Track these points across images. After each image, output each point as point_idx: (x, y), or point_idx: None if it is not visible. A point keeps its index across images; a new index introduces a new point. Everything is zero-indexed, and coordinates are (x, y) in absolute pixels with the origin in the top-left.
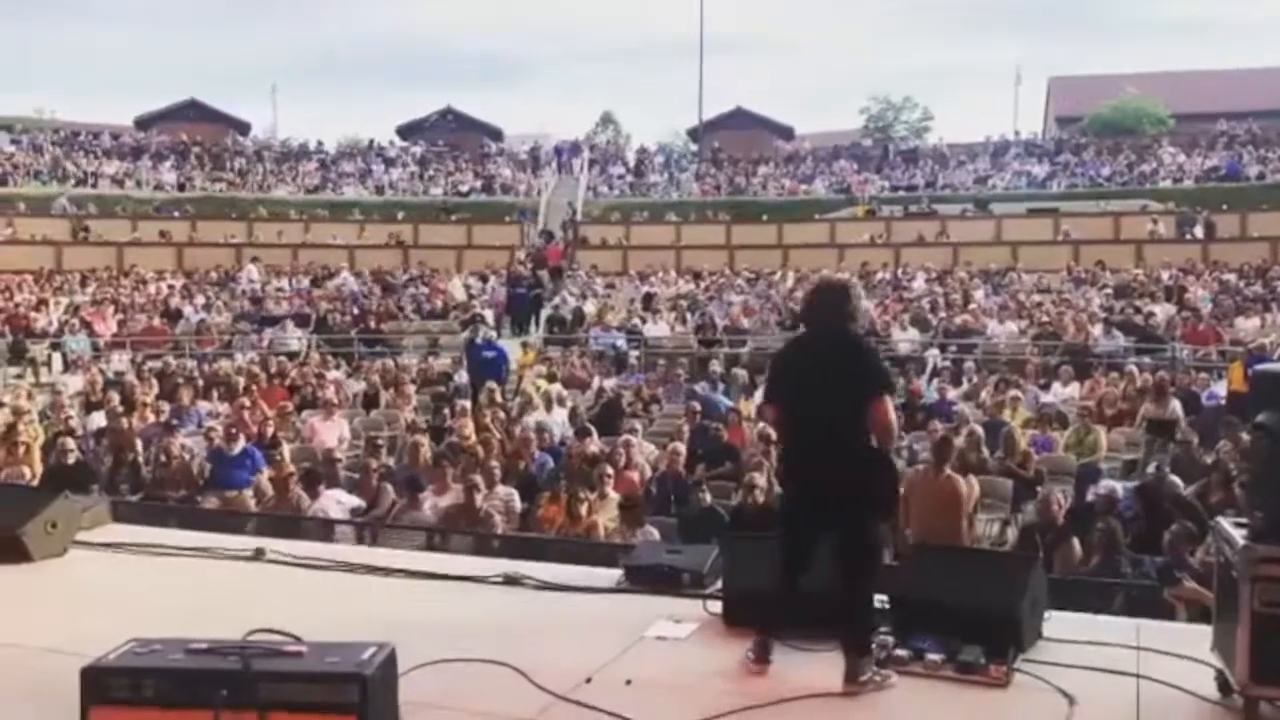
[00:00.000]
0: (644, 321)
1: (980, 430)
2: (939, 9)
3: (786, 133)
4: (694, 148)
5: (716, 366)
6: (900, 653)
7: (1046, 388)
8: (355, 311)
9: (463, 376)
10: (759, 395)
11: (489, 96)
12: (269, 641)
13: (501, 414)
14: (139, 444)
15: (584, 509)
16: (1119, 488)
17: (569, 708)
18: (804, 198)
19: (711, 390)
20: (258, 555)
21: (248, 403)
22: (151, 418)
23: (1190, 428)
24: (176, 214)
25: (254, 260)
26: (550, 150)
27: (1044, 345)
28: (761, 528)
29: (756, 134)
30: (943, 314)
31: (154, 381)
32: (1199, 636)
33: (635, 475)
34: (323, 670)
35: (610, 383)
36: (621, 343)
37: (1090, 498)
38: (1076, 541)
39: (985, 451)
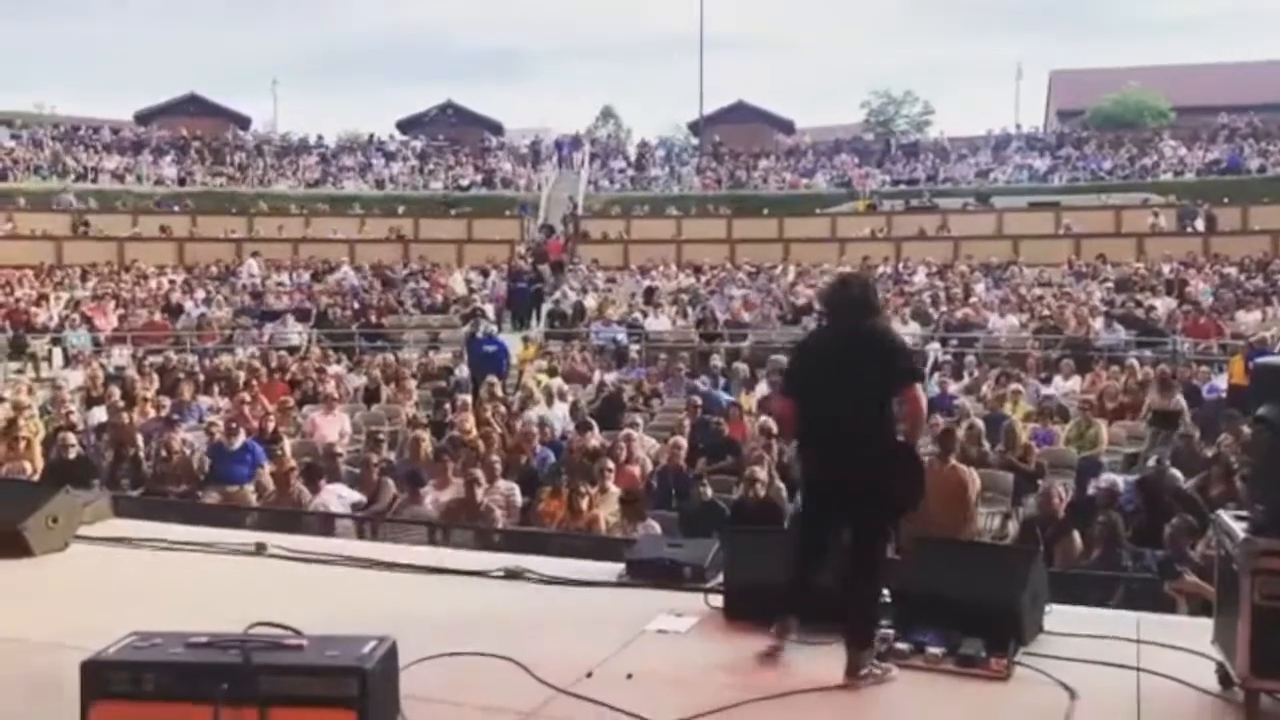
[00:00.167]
0: (645, 316)
1: (981, 424)
2: (939, 5)
3: (787, 127)
4: (695, 141)
5: (717, 360)
6: (901, 646)
7: (1047, 381)
8: (356, 306)
9: (463, 371)
10: (760, 389)
11: (489, 91)
12: (269, 635)
13: (502, 408)
14: (140, 439)
15: (585, 503)
16: (1120, 481)
17: (570, 701)
18: (805, 192)
19: (712, 384)
20: (259, 550)
21: (248, 398)
22: (152, 413)
23: (1191, 421)
24: (177, 209)
25: (254, 255)
26: (551, 144)
27: (1045, 339)
28: (763, 522)
29: (757, 128)
30: (944, 308)
31: (155, 376)
32: (1200, 629)
33: (636, 469)
34: (323, 664)
35: (611, 377)
36: (622, 337)
37: (1091, 491)
38: (1077, 535)
39: (986, 445)
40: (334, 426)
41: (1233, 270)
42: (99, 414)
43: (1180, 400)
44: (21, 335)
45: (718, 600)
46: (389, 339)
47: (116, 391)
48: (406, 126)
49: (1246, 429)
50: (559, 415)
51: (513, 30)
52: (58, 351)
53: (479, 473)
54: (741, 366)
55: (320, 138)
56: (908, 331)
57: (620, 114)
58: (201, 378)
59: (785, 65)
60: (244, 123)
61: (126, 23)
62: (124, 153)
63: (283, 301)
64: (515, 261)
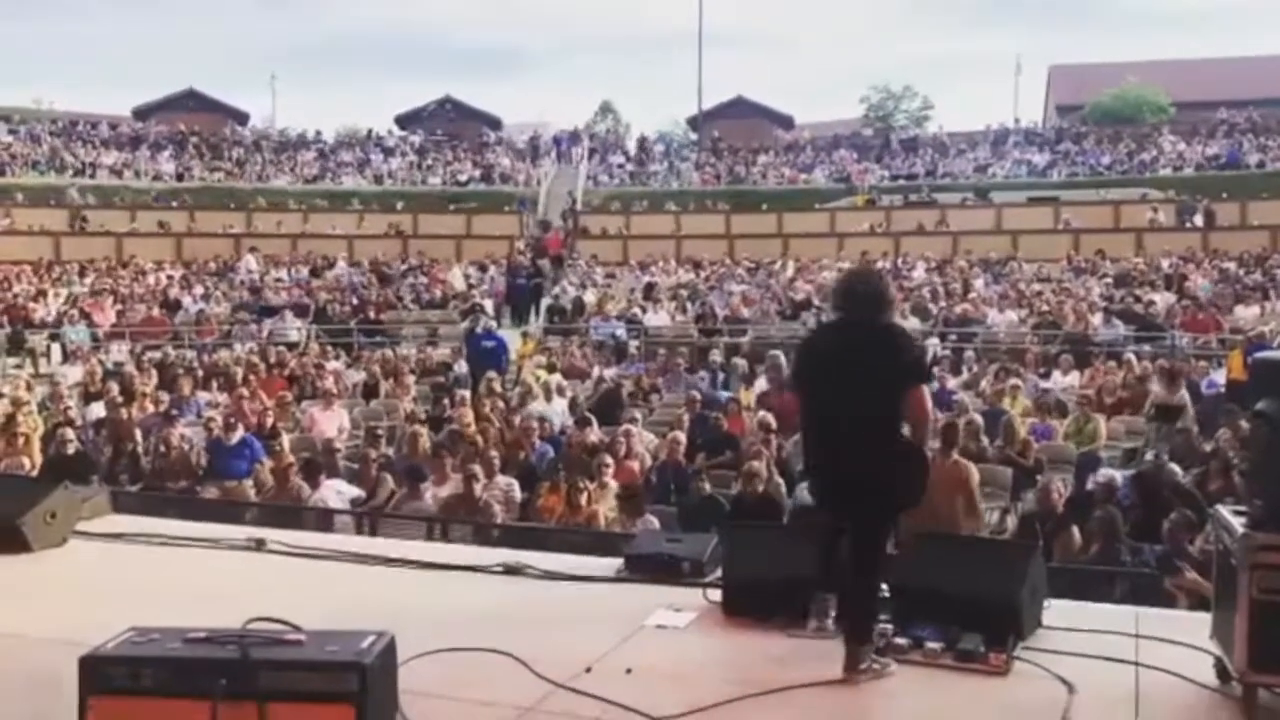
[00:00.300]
0: (644, 311)
1: (979, 419)
2: (939, 1)
3: (786, 122)
4: (694, 137)
5: (716, 356)
6: (900, 641)
7: (1046, 376)
8: (354, 302)
9: (462, 366)
10: (759, 384)
11: (488, 86)
12: (268, 630)
13: (501, 404)
14: (138, 434)
15: (584, 498)
16: (1118, 476)
17: (569, 696)
18: (804, 187)
19: (711, 379)
20: (257, 545)
21: (247, 393)
22: (151, 408)
23: (1176, 420)
24: (175, 204)
25: (252, 250)
26: (549, 140)
27: (1044, 334)
28: (761, 517)
29: (756, 123)
30: (943, 303)
31: (153, 372)
32: (1198, 624)
33: (635, 464)
34: (322, 659)
35: (610, 372)
36: (621, 332)
37: (1090, 486)
38: (1076, 530)
39: (985, 440)
40: (332, 422)
41: (1231, 265)
42: (97, 409)
43: (1185, 395)
44: (20, 331)
45: (716, 595)
46: (387, 334)
47: (115, 387)
48: (405, 122)
49: (1245, 424)
50: (558, 411)
51: (511, 25)
52: (56, 347)
53: (478, 468)
54: (740, 362)
55: (319, 133)
56: (907, 327)
57: (619, 109)
58: (200, 373)
59: (784, 60)
60: (242, 118)
61: (124, 18)
62: (122, 148)
63: (281, 297)
64: (514, 257)
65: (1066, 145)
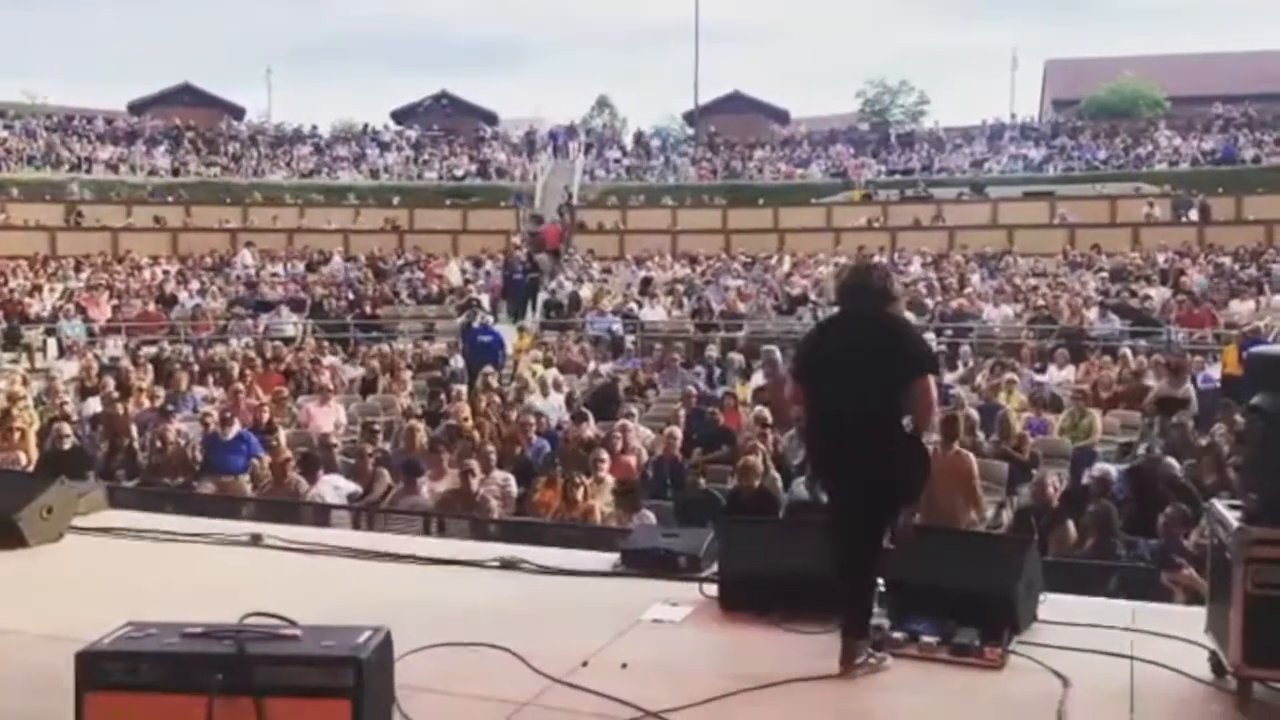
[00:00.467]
0: (640, 306)
1: (975, 414)
2: None
3: (782, 117)
4: (690, 132)
5: (713, 351)
6: (896, 635)
7: (1042, 371)
8: (350, 297)
9: (459, 361)
10: (755, 379)
11: (484, 81)
12: (264, 626)
13: (498, 399)
14: (134, 430)
15: (580, 493)
16: (1113, 471)
17: (566, 691)
18: (800, 182)
19: (707, 374)
20: (254, 541)
21: (243, 388)
22: (147, 403)
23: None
24: (171, 199)
25: (248, 245)
26: (545, 134)
27: (1040, 329)
28: (758, 511)
29: (753, 118)
30: (939, 298)
31: (149, 367)
32: (1193, 618)
33: (632, 460)
34: (318, 654)
35: (606, 367)
36: (618, 327)
37: (1085, 481)
38: (1071, 524)
39: (980, 435)
40: (329, 417)
41: (1227, 260)
42: (94, 405)
43: (1189, 388)
44: (15, 326)
45: (713, 590)
46: (384, 330)
47: (111, 382)
48: (401, 116)
49: (1240, 418)
50: (554, 406)
51: (507, 20)
52: (52, 342)
53: (474, 463)
54: (737, 357)
55: (314, 128)
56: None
57: (615, 104)
58: (196, 368)
59: (780, 55)
60: (238, 113)
61: (120, 12)
62: (118, 143)
63: (277, 292)
64: (511, 252)
65: (1063, 140)
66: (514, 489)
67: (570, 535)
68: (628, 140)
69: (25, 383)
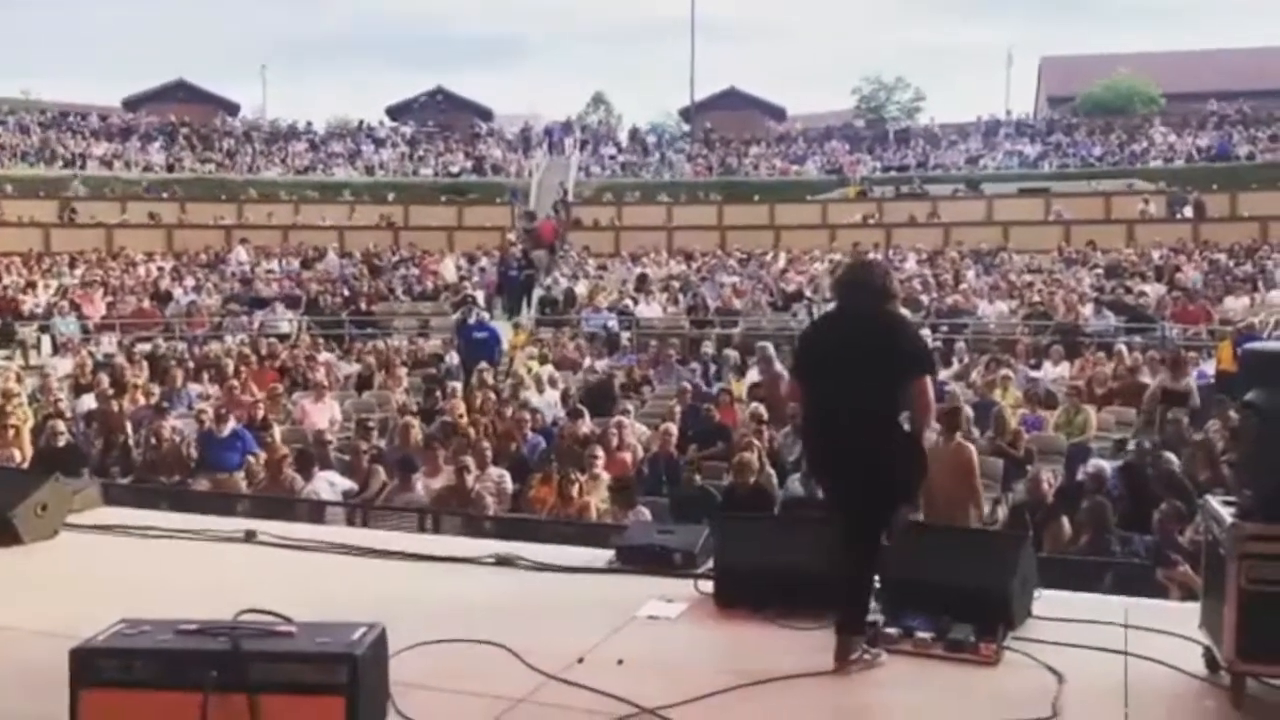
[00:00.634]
0: (636, 302)
1: (970, 410)
2: None
3: (778, 113)
4: (685, 128)
5: (708, 347)
6: (890, 631)
7: (1037, 367)
8: (345, 293)
9: (454, 358)
10: (751, 376)
11: (479, 77)
12: (259, 622)
13: (493, 395)
14: (129, 426)
15: (575, 490)
16: (1108, 467)
17: (561, 687)
18: (796, 178)
19: (703, 371)
20: (249, 537)
21: (238, 385)
22: (142, 400)
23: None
24: (165, 195)
25: (243, 242)
26: (541, 131)
27: (1035, 325)
28: (753, 508)
29: (748, 114)
30: (934, 294)
31: (144, 364)
32: (1187, 614)
33: (627, 456)
34: (313, 651)
35: (602, 364)
36: (613, 324)
37: (1080, 477)
38: (1066, 520)
39: (975, 431)
40: (324, 414)
41: (1222, 256)
42: (88, 402)
43: (1190, 382)
44: (9, 323)
45: (708, 586)
46: (379, 326)
47: (105, 379)
48: (396, 113)
49: (1234, 414)
50: (550, 402)
51: (503, 16)
52: (46, 339)
53: (469, 460)
54: (732, 353)
55: (309, 124)
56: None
57: (611, 100)
58: (191, 365)
59: (776, 52)
60: (233, 109)
61: (114, 8)
62: (112, 139)
63: (272, 289)
64: (507, 248)
65: (1058, 137)
66: (509, 485)
67: (565, 532)
68: (623, 136)
69: (19, 380)
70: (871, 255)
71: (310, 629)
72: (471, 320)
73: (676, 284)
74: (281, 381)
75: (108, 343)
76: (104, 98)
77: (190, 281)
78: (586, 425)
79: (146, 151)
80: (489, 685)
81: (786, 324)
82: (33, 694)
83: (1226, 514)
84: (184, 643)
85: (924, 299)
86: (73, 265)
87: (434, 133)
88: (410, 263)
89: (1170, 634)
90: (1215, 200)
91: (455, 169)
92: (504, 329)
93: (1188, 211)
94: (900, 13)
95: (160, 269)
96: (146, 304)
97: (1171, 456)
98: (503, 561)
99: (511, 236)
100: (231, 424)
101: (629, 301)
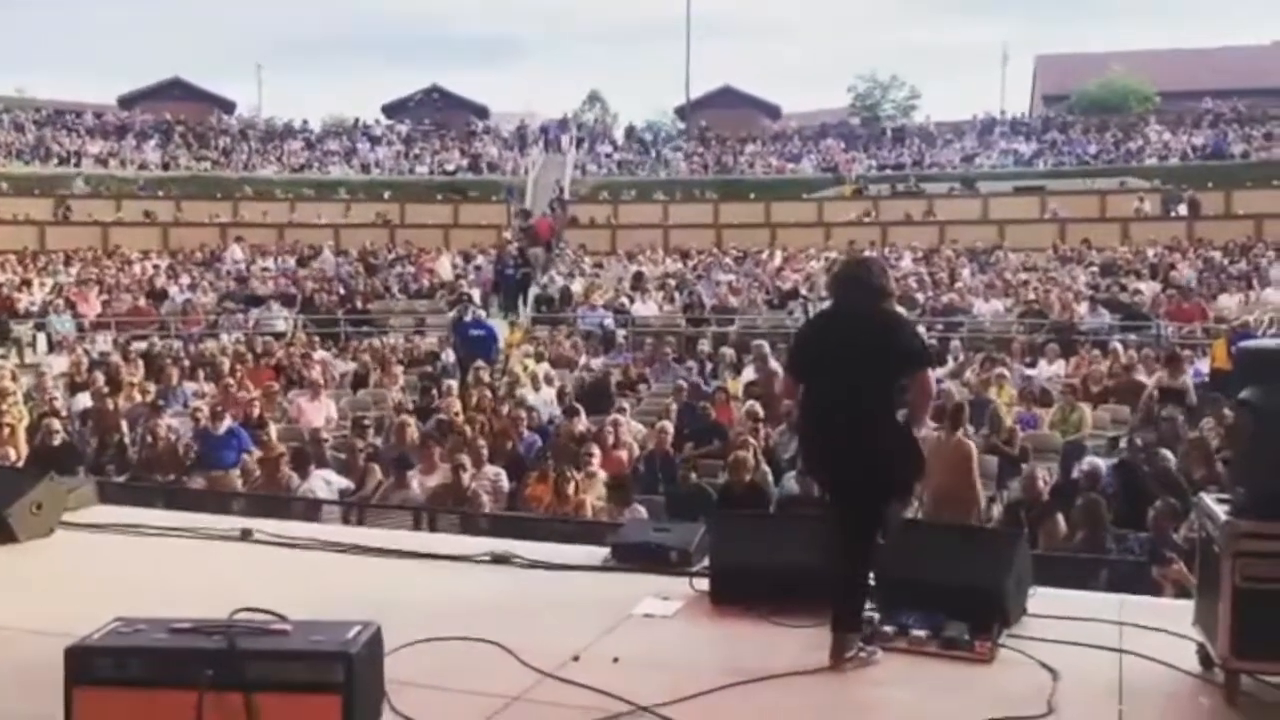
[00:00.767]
0: (632, 301)
1: (966, 408)
2: None
3: (774, 111)
4: (681, 126)
5: (704, 345)
6: (886, 629)
7: (1032, 365)
8: (341, 291)
9: (450, 356)
10: (747, 374)
11: (475, 75)
12: (254, 621)
13: (489, 393)
14: (125, 425)
15: (571, 488)
16: (1103, 465)
17: (557, 685)
18: (791, 176)
19: (699, 369)
20: (244, 536)
21: (234, 383)
22: (137, 398)
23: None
24: (161, 194)
25: (239, 240)
26: (537, 129)
27: (1030, 323)
28: (749, 506)
29: (744, 113)
30: (929, 292)
31: (139, 362)
32: (1181, 611)
33: (623, 454)
34: (308, 649)
35: (598, 362)
36: (609, 322)
37: (1075, 475)
38: (1061, 518)
39: (971, 429)
40: (320, 412)
41: (1216, 254)
42: (83, 400)
43: (1188, 379)
44: (4, 321)
45: (704, 584)
46: (375, 324)
47: (101, 377)
48: (392, 111)
49: (1229, 412)
50: (546, 400)
51: (499, 14)
52: (41, 337)
53: (465, 458)
54: (728, 351)
55: (305, 122)
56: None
57: (607, 98)
58: (187, 363)
59: (772, 50)
60: (228, 107)
61: (110, 6)
62: (107, 137)
63: (268, 287)
64: (503, 246)
65: (1053, 135)
66: (505, 484)
67: (561, 530)
68: (619, 135)
69: (14, 378)
70: (867, 253)
71: (306, 627)
72: (468, 318)
73: (672, 282)
74: (277, 380)
75: (103, 341)
76: (99, 95)
77: (186, 280)
78: (582, 423)
79: (142, 150)
80: (485, 683)
81: (782, 322)
82: (28, 693)
83: (1221, 511)
84: (179, 641)
85: (919, 297)
86: (68, 263)
87: (430, 131)
88: (406, 261)
89: (1165, 631)
90: (1210, 198)
91: (451, 167)
92: (500, 327)
93: (1182, 210)
94: (895, 11)
95: (155, 267)
96: (142, 302)
97: (1167, 454)
98: (499, 559)
99: (508, 234)
100: (227, 422)
101: (625, 299)
